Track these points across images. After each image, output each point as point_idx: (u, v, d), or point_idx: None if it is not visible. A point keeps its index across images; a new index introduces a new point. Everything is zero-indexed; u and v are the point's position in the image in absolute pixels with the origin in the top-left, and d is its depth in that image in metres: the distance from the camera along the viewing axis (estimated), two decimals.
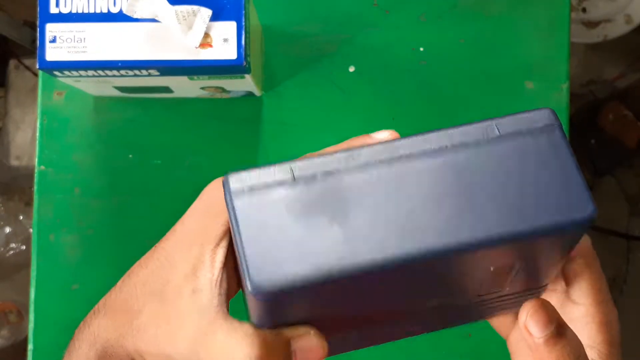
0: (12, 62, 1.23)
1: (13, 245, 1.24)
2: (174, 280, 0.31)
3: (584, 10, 1.22)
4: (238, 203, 0.26)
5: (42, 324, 0.59)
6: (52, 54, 0.49)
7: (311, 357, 0.30)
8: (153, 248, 0.33)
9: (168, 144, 0.60)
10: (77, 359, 0.32)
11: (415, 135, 0.27)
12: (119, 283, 0.34)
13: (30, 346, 0.59)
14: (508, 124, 0.27)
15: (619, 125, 1.32)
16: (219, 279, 0.30)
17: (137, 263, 0.33)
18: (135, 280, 0.33)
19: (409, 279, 0.27)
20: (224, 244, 0.31)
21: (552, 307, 0.30)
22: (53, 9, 0.49)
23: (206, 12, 0.48)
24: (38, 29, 0.49)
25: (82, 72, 0.50)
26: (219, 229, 0.31)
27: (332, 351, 0.30)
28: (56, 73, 0.50)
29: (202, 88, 0.56)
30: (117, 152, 0.60)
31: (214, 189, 0.32)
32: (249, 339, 0.28)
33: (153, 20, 0.48)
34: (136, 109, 0.61)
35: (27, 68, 1.22)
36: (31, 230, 1.11)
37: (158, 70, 0.50)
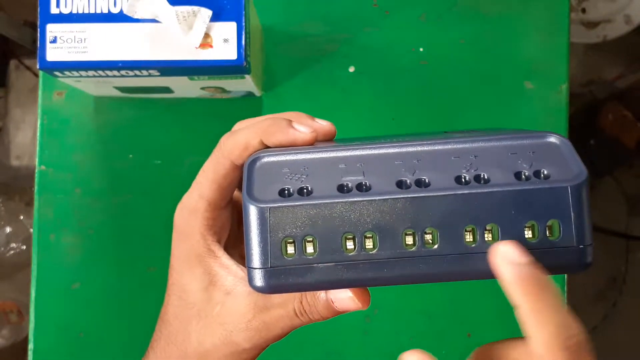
0: (13, 62, 1.23)
1: (13, 245, 1.24)
2: (198, 301, 0.32)
3: (583, 10, 1.22)
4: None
5: (43, 323, 0.59)
6: (53, 54, 0.49)
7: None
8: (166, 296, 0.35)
9: (168, 144, 0.61)
10: None
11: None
12: (156, 330, 0.36)
13: (30, 346, 0.59)
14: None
15: (618, 125, 1.33)
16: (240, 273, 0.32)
17: (160, 316, 0.35)
18: (166, 319, 0.34)
19: None
20: (219, 250, 0.33)
21: None
22: (54, 10, 0.49)
23: (206, 13, 0.48)
24: (39, 29, 0.49)
25: (83, 73, 0.50)
26: (202, 244, 0.33)
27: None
28: (56, 73, 0.50)
29: (202, 88, 0.56)
30: (117, 152, 0.60)
31: (176, 217, 0.34)
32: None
33: (153, 20, 0.48)
34: (136, 109, 0.61)
35: (28, 68, 1.22)
36: (31, 230, 1.11)
37: (158, 71, 0.50)
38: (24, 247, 1.24)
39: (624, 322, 1.32)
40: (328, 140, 0.33)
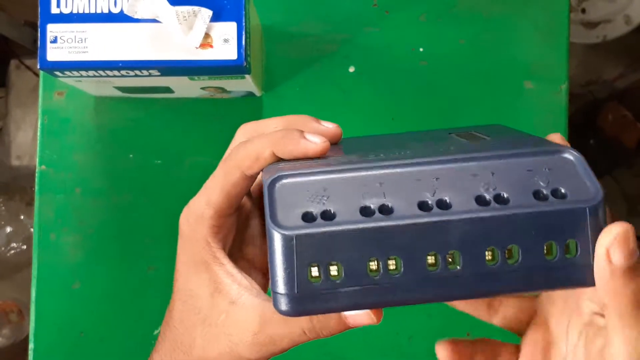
0: (13, 62, 1.23)
1: (14, 244, 1.24)
2: (204, 307, 0.33)
3: (583, 10, 1.22)
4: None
5: (43, 323, 0.59)
6: (53, 54, 0.49)
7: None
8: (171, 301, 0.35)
9: (168, 144, 0.61)
10: None
11: None
12: (160, 334, 0.35)
13: (31, 345, 0.59)
14: None
15: (618, 125, 1.33)
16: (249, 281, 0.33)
17: (164, 319, 0.35)
18: (171, 323, 0.34)
19: None
20: (224, 258, 0.33)
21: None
22: (54, 10, 0.49)
23: (206, 13, 0.48)
24: (39, 29, 0.49)
25: (83, 73, 0.50)
26: (208, 251, 0.33)
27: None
28: (57, 73, 0.50)
29: (203, 88, 0.56)
30: (118, 152, 0.60)
31: (182, 222, 0.34)
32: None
33: (154, 20, 0.48)
34: (136, 109, 0.61)
35: (28, 68, 1.22)
36: (32, 229, 1.11)
37: (159, 71, 0.50)
38: (25, 246, 1.24)
39: None
40: (335, 143, 0.33)
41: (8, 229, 1.24)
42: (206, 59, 0.48)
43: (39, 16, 0.49)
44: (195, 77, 0.52)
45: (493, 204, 0.27)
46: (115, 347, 0.59)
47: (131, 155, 0.60)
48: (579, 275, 0.27)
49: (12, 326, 1.18)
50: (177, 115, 0.61)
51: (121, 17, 0.49)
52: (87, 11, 0.49)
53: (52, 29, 0.49)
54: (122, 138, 0.61)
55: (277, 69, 0.61)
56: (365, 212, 0.27)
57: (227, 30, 0.48)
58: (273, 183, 0.28)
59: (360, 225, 0.27)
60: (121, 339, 0.59)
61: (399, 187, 0.28)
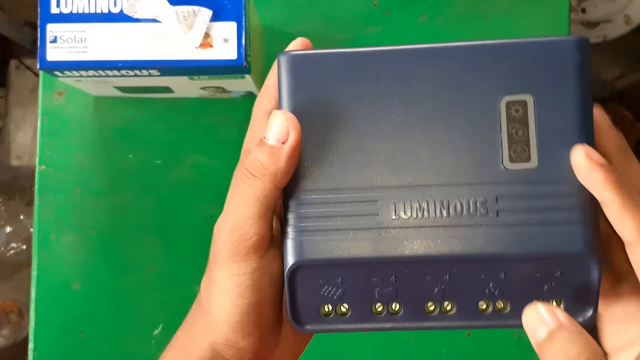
0: (13, 62, 1.23)
1: (14, 244, 1.24)
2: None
3: (583, 10, 1.22)
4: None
5: (43, 323, 0.59)
6: (53, 54, 0.49)
7: None
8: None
9: (168, 144, 0.61)
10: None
11: None
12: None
13: (30, 345, 0.59)
14: None
15: (618, 125, 1.32)
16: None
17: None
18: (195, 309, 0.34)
19: None
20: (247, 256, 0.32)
21: None
22: (54, 9, 0.49)
23: (206, 13, 0.48)
24: (39, 29, 0.49)
25: (83, 72, 0.50)
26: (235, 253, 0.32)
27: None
28: (57, 73, 0.50)
29: (203, 88, 0.56)
30: (118, 152, 0.60)
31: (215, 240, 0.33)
32: None
33: (153, 20, 0.48)
34: (136, 109, 0.61)
35: (28, 68, 1.22)
36: (32, 229, 1.11)
37: (158, 71, 0.50)
38: (24, 246, 1.24)
39: None
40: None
41: (8, 229, 1.24)
42: (206, 59, 0.48)
43: (39, 16, 0.49)
44: (195, 77, 0.52)
45: (491, 313, 0.30)
46: (115, 347, 0.59)
47: (131, 155, 0.60)
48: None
49: (12, 326, 1.18)
50: (177, 115, 0.61)
51: (121, 17, 0.49)
52: (86, 11, 0.49)
53: (52, 29, 0.49)
54: (122, 138, 0.61)
55: None
56: (375, 312, 0.31)
57: (227, 30, 0.48)
58: (294, 274, 0.31)
59: (368, 325, 0.31)
60: (121, 339, 0.59)
61: (410, 284, 0.30)
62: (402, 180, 0.30)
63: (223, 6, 0.48)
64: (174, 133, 0.61)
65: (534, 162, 0.30)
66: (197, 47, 0.48)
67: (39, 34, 0.49)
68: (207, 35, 0.48)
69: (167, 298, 0.59)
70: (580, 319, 0.30)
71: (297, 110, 0.31)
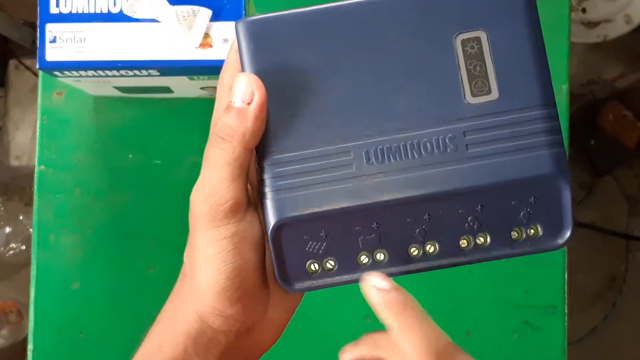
0: (12, 62, 1.23)
1: (13, 245, 1.24)
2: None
3: (583, 10, 1.22)
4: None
5: (42, 323, 0.59)
6: (52, 54, 0.49)
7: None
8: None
9: (168, 144, 0.61)
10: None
11: None
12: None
13: (30, 346, 0.59)
14: None
15: (618, 125, 1.32)
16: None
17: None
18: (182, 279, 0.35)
19: None
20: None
21: None
22: (53, 9, 0.49)
23: (206, 13, 0.48)
24: (38, 29, 0.49)
25: (82, 72, 0.50)
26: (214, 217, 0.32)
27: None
28: (56, 73, 0.50)
29: (202, 88, 0.56)
30: (117, 152, 0.60)
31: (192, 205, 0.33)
32: None
33: (153, 20, 0.48)
34: (136, 109, 0.61)
35: (27, 68, 1.22)
36: (31, 230, 1.11)
37: (158, 71, 0.50)
38: (24, 247, 1.24)
39: (624, 322, 1.32)
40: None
41: (7, 230, 1.24)
42: (206, 59, 0.48)
43: (38, 16, 0.49)
44: (195, 77, 0.52)
45: (473, 247, 0.31)
46: (114, 347, 0.59)
47: (131, 155, 0.60)
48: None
49: (12, 326, 1.18)
50: (176, 115, 0.61)
51: (120, 17, 0.48)
52: (86, 11, 0.49)
53: (51, 29, 0.49)
54: (121, 138, 0.60)
55: None
56: (361, 263, 0.32)
57: (227, 30, 0.48)
58: (278, 232, 0.31)
59: (356, 276, 0.32)
60: (120, 339, 0.59)
61: (393, 228, 0.31)
62: (372, 129, 0.31)
63: (223, 6, 0.48)
64: (173, 133, 0.61)
65: (495, 94, 0.31)
66: (196, 47, 0.48)
67: (38, 34, 0.49)
68: (206, 35, 0.48)
69: (167, 298, 0.59)
70: (560, 241, 0.31)
71: (260, 72, 0.31)
